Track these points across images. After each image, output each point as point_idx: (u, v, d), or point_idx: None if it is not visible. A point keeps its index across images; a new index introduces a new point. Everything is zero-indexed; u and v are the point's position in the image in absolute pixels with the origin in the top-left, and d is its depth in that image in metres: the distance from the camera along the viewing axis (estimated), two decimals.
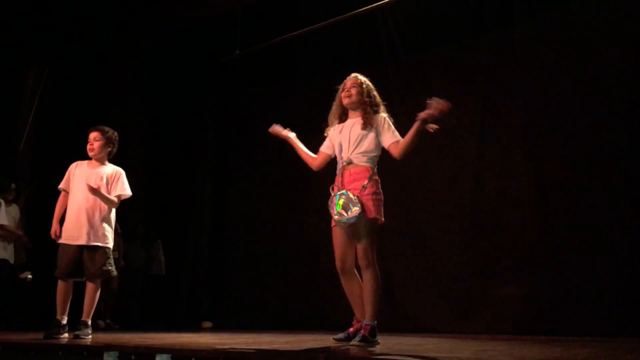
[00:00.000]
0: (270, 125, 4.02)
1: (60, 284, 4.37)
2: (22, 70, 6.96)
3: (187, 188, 8.60)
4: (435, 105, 3.32)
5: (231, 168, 8.76)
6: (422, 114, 3.36)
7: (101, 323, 7.22)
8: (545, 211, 5.86)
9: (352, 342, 3.37)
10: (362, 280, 3.54)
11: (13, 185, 6.44)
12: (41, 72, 7.24)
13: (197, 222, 8.51)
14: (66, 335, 4.27)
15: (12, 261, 6.28)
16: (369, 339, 3.37)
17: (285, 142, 3.99)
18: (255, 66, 8.26)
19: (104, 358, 3.33)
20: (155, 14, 7.98)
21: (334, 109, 3.80)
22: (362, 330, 3.41)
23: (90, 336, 4.28)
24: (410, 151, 3.54)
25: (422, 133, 3.43)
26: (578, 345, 3.98)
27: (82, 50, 7.54)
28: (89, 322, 4.35)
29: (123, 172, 4.58)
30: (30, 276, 6.60)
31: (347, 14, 6.94)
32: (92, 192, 4.33)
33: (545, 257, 5.74)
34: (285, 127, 3.98)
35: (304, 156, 3.89)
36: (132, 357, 3.28)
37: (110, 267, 4.41)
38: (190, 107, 8.71)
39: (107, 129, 4.60)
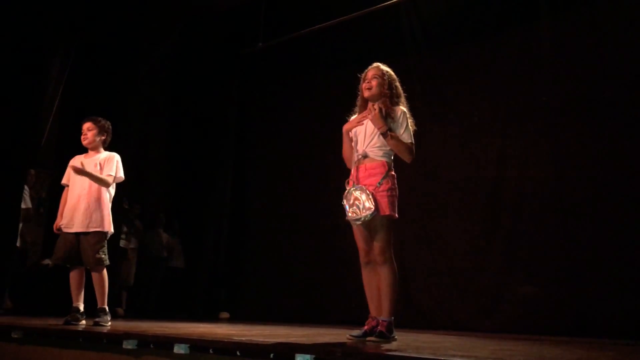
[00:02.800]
0: (291, 117, 3.99)
1: (71, 272, 4.46)
2: (46, 61, 7.02)
3: (207, 179, 8.64)
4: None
5: (251, 160, 8.79)
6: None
7: (120, 311, 7.31)
8: (565, 210, 5.78)
9: (369, 338, 3.36)
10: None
11: (32, 172, 6.54)
12: (65, 62, 7.30)
13: (217, 213, 8.54)
14: (84, 322, 4.35)
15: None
16: (386, 335, 3.35)
17: (310, 135, 3.90)
18: (278, 59, 8.26)
19: (123, 346, 3.38)
20: (177, 6, 7.99)
21: (359, 101, 3.71)
22: (379, 326, 3.40)
23: (109, 323, 4.34)
24: (403, 156, 3.51)
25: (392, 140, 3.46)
26: (598, 348, 3.92)
27: (106, 41, 7.58)
28: (107, 309, 4.44)
29: (117, 156, 4.63)
30: (51, 263, 6.70)
31: (370, 8, 6.89)
32: (76, 172, 4.40)
33: (565, 257, 5.67)
34: (306, 120, 3.93)
35: (348, 150, 3.70)
36: (151, 345, 3.32)
37: (103, 256, 4.42)
38: (212, 98, 8.74)
39: (99, 118, 4.69)
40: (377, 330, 3.37)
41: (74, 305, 4.39)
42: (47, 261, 6.68)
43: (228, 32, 8.35)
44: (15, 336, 3.93)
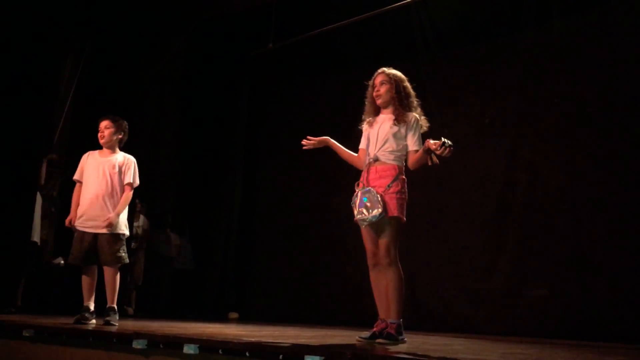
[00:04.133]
0: (301, 118, 4.01)
1: (84, 271, 4.49)
2: (59, 60, 7.07)
3: (217, 179, 8.67)
4: (439, 148, 3.30)
5: (261, 161, 8.80)
6: (428, 145, 3.37)
7: (129, 310, 7.34)
8: (576, 213, 5.74)
9: (378, 340, 3.36)
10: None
11: (54, 156, 6.60)
12: (78, 62, 7.35)
13: (226, 214, 8.56)
14: (94, 321, 4.37)
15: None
16: (395, 337, 3.35)
17: (324, 149, 3.92)
18: (288, 59, 8.26)
19: (133, 345, 3.39)
20: (189, 6, 8.03)
21: (367, 106, 3.74)
22: (387, 328, 3.40)
23: (117, 322, 4.37)
24: (419, 167, 3.55)
25: (425, 159, 3.49)
26: (610, 352, 3.89)
27: (118, 40, 7.63)
28: (116, 308, 4.47)
29: (134, 161, 4.68)
30: (63, 262, 6.74)
31: (381, 9, 6.89)
32: (108, 228, 4.41)
33: (577, 260, 5.63)
34: (316, 121, 3.95)
35: (345, 156, 3.79)
36: (161, 345, 3.33)
37: (123, 254, 4.48)
38: (222, 99, 8.76)
39: (117, 117, 4.71)
40: (386, 332, 3.37)
41: (85, 304, 4.42)
42: (58, 260, 6.73)
43: (239, 33, 8.37)
44: (27, 335, 3.96)
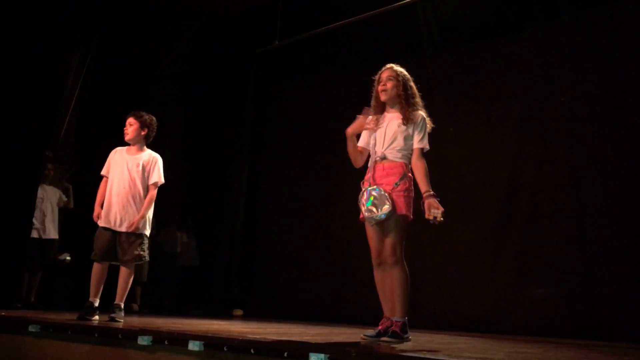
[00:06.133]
0: (307, 116, 3.98)
1: (96, 267, 4.48)
2: (65, 55, 7.09)
3: (222, 176, 8.67)
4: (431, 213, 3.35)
5: (266, 158, 8.80)
6: (425, 205, 3.38)
7: (134, 306, 7.37)
8: (581, 211, 5.71)
9: (383, 338, 3.35)
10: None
11: (50, 167, 6.61)
12: (84, 58, 7.38)
13: (231, 211, 8.56)
14: (97, 317, 4.38)
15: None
16: (400, 336, 3.34)
17: (328, 135, 3.88)
18: (294, 57, 8.25)
19: (138, 342, 3.40)
20: (194, 4, 8.04)
21: (373, 102, 3.70)
22: (392, 327, 3.39)
23: (122, 319, 4.37)
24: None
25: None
26: (615, 352, 3.88)
27: (125, 37, 7.65)
28: (122, 305, 4.47)
29: (160, 159, 4.66)
30: (68, 258, 6.77)
31: (387, 7, 6.86)
32: (134, 230, 4.41)
33: (581, 259, 5.60)
34: (321, 119, 3.92)
35: (353, 152, 3.69)
36: (166, 342, 3.34)
37: (142, 252, 4.50)
38: (228, 97, 8.76)
39: (142, 113, 4.67)
40: (391, 330, 3.37)
41: (90, 299, 4.41)
42: (64, 256, 6.76)
43: (244, 30, 8.37)
44: (32, 330, 3.97)
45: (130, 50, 7.67)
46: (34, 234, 6.32)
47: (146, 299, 7.77)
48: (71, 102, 7.29)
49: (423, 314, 6.27)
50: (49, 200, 6.50)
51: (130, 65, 7.66)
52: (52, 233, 6.50)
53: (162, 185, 4.67)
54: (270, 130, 8.84)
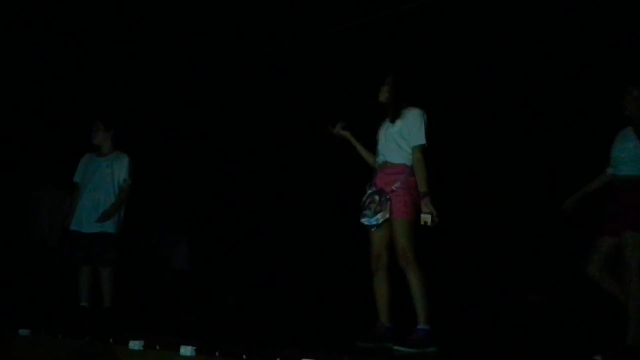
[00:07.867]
0: (306, 118, 3.96)
1: (79, 271, 4.46)
2: (57, 57, 7.08)
3: (215, 179, 8.64)
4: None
5: (262, 161, 8.77)
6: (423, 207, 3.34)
7: (127, 310, 7.31)
8: (581, 216, 5.70)
9: (397, 347, 3.20)
10: (408, 282, 3.38)
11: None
12: (77, 59, 7.35)
13: (225, 215, 8.53)
14: (89, 321, 4.33)
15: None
16: (418, 345, 3.16)
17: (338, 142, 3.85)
18: (293, 60, 8.23)
19: (129, 346, 3.36)
20: (191, 6, 8.01)
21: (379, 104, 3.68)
22: (414, 334, 3.21)
23: (113, 323, 4.34)
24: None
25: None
26: None
27: (119, 40, 7.63)
28: (112, 308, 4.43)
29: (128, 158, 4.61)
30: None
31: (386, 12, 6.86)
32: (103, 221, 4.37)
33: (578, 265, 5.59)
34: (320, 122, 3.89)
35: (364, 155, 3.71)
36: (157, 347, 3.31)
37: (113, 256, 4.44)
38: (226, 99, 8.74)
39: (103, 115, 4.67)
40: (413, 339, 3.19)
41: (81, 304, 4.39)
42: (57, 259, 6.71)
43: (243, 32, 8.35)
44: (23, 333, 3.93)
45: (124, 53, 7.65)
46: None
47: (137, 302, 7.71)
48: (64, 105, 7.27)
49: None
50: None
51: (124, 68, 7.65)
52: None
53: (154, 188, 4.66)
54: (265, 132, 8.79)
